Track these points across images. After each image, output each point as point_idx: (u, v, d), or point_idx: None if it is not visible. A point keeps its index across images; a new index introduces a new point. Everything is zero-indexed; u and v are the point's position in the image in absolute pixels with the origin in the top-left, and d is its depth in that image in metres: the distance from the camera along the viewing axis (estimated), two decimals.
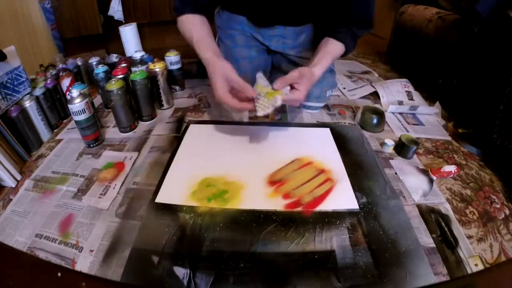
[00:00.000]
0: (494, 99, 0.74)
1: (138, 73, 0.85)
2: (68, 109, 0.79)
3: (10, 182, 0.68)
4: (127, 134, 0.85)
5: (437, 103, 0.99)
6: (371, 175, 0.69)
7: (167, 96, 0.96)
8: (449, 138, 0.86)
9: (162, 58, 1.00)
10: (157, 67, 0.91)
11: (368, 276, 0.49)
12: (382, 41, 1.70)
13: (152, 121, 0.91)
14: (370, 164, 0.73)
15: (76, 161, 0.75)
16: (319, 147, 0.78)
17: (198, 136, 0.83)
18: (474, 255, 0.53)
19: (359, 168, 0.71)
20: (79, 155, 0.77)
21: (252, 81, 0.73)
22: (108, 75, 0.91)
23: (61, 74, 0.92)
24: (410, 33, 1.24)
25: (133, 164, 0.73)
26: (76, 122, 0.75)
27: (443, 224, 0.58)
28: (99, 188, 0.66)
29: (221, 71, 0.65)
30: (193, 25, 0.75)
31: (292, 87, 0.67)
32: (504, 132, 0.73)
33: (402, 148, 0.76)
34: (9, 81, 0.79)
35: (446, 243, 0.55)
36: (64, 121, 0.94)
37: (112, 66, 0.96)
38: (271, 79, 0.80)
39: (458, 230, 0.57)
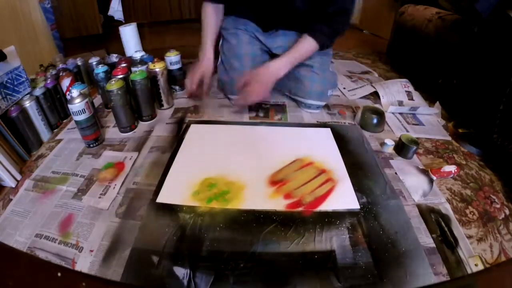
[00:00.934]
0: (494, 99, 0.74)
1: (138, 73, 0.85)
2: (68, 109, 0.79)
3: (10, 182, 0.68)
4: (127, 134, 0.85)
5: (437, 103, 0.99)
6: (371, 175, 0.69)
7: (167, 96, 0.96)
8: (449, 138, 0.86)
9: (162, 58, 1.00)
10: (157, 67, 0.91)
11: (368, 276, 0.49)
12: (382, 41, 1.70)
13: (152, 121, 0.91)
14: (370, 164, 0.73)
15: (76, 161, 0.75)
16: (319, 147, 0.78)
17: (198, 136, 0.83)
18: (474, 255, 0.53)
19: (359, 168, 0.71)
20: (79, 155, 0.77)
21: None
22: (108, 75, 0.91)
23: (61, 74, 0.92)
24: (410, 33, 1.24)
25: (133, 164, 0.73)
26: (76, 122, 0.75)
27: (443, 224, 0.58)
28: (99, 188, 0.66)
29: (209, 68, 0.90)
30: (208, 18, 0.92)
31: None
32: (504, 132, 0.73)
33: (402, 148, 0.76)
34: (9, 81, 0.79)
35: (446, 243, 0.55)
36: (64, 121, 0.94)
37: (112, 66, 0.96)
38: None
39: (458, 230, 0.57)
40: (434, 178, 0.67)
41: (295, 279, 0.48)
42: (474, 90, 0.86)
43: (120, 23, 1.71)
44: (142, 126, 0.89)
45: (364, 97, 1.08)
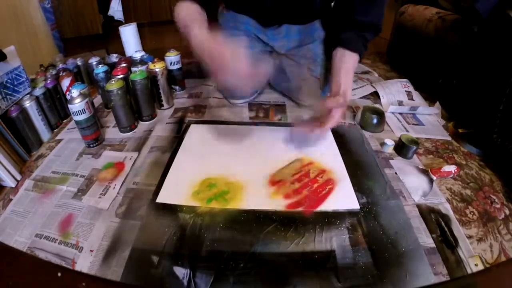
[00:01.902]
0: (494, 99, 0.74)
1: (138, 73, 0.85)
2: (68, 109, 0.79)
3: (10, 182, 0.68)
4: (127, 134, 0.85)
5: (437, 103, 0.99)
6: (371, 175, 0.69)
7: (167, 96, 0.96)
8: (449, 138, 0.86)
9: (162, 58, 1.00)
10: (157, 67, 0.91)
11: (368, 276, 0.49)
12: (382, 41, 1.70)
13: (152, 121, 0.91)
14: (370, 164, 0.73)
15: (76, 161, 0.75)
16: (319, 147, 0.78)
17: (198, 136, 0.83)
18: (474, 255, 0.53)
19: (359, 168, 0.71)
20: (79, 155, 0.77)
21: None
22: (108, 75, 0.91)
23: (61, 74, 0.92)
24: (410, 33, 1.24)
25: (133, 164, 0.73)
26: (76, 122, 0.75)
27: (443, 224, 0.58)
28: (99, 188, 0.66)
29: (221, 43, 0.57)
30: (188, 9, 0.66)
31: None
32: (504, 132, 0.73)
33: (402, 148, 0.76)
34: (9, 81, 0.79)
35: (446, 243, 0.55)
36: (64, 121, 0.94)
37: (112, 66, 0.96)
38: (273, 81, 0.82)
39: (458, 230, 0.57)
40: (434, 178, 0.67)
41: (295, 279, 0.48)
42: (474, 90, 0.86)
43: (120, 23, 1.71)
44: (142, 126, 0.89)
45: (364, 97, 1.07)
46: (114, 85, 0.78)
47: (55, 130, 0.90)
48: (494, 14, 0.79)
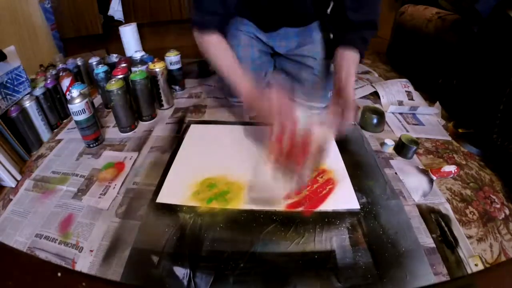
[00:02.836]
0: (494, 99, 0.74)
1: (138, 73, 0.85)
2: (68, 109, 0.79)
3: (10, 182, 0.68)
4: (127, 134, 0.85)
5: (437, 103, 0.99)
6: (371, 175, 0.69)
7: (167, 96, 0.96)
8: (449, 138, 0.86)
9: (162, 58, 1.00)
10: (157, 67, 0.91)
11: (368, 276, 0.49)
12: (382, 41, 1.70)
13: (152, 121, 0.91)
14: (370, 164, 0.73)
15: (76, 161, 0.75)
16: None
17: (198, 136, 0.83)
18: (474, 255, 0.53)
19: (359, 168, 0.71)
20: (79, 155, 0.77)
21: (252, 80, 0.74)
22: (108, 75, 0.91)
23: (61, 74, 0.92)
24: (410, 33, 1.24)
25: (133, 164, 0.73)
26: (76, 122, 0.75)
27: (443, 224, 0.58)
28: (99, 188, 0.66)
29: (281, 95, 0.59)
30: (224, 53, 0.74)
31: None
32: (504, 132, 0.73)
33: (402, 148, 0.76)
34: (9, 81, 0.79)
35: (446, 243, 0.55)
36: (64, 121, 0.94)
37: (112, 66, 0.96)
38: (273, 82, 0.81)
39: (458, 230, 0.57)
40: (434, 178, 0.67)
41: (295, 279, 0.48)
42: (474, 90, 0.86)
43: (120, 23, 1.71)
44: (142, 126, 0.89)
45: (364, 97, 1.07)
46: (114, 85, 0.78)
47: (55, 130, 0.90)
48: (494, 14, 0.79)
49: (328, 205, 0.61)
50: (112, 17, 1.80)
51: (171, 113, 0.95)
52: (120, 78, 0.82)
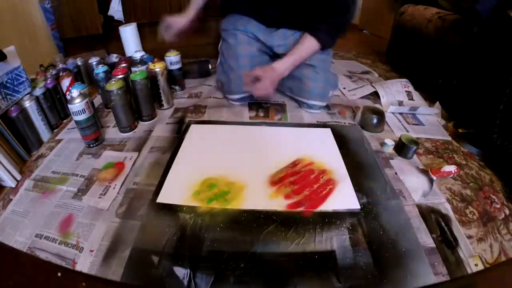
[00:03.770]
0: (494, 99, 0.74)
1: (138, 73, 0.85)
2: (68, 109, 0.79)
3: (10, 182, 0.68)
4: (127, 134, 0.85)
5: (437, 103, 0.99)
6: (371, 175, 0.69)
7: (167, 96, 0.96)
8: (449, 138, 0.86)
9: (162, 58, 1.00)
10: (157, 67, 0.91)
11: (368, 276, 0.49)
12: (382, 41, 1.70)
13: (152, 121, 0.91)
14: (370, 164, 0.73)
15: (76, 161, 0.75)
16: (320, 147, 0.78)
17: (198, 136, 0.83)
18: (474, 255, 0.53)
19: (359, 168, 0.71)
20: (79, 155, 0.77)
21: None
22: (108, 75, 0.91)
23: (61, 74, 0.92)
24: (410, 33, 1.24)
25: (133, 164, 0.73)
26: (76, 122, 0.75)
27: (443, 224, 0.58)
28: (99, 188, 0.66)
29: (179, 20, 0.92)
30: None
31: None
32: (504, 132, 0.73)
33: (402, 148, 0.76)
34: (9, 81, 0.79)
35: (446, 243, 0.55)
36: (64, 121, 0.94)
37: (112, 66, 0.96)
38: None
39: (458, 230, 0.57)
40: (434, 178, 0.67)
41: (295, 279, 0.48)
42: (474, 90, 0.86)
43: (120, 23, 1.71)
44: (142, 126, 0.89)
45: (364, 97, 1.07)
46: (114, 85, 0.77)
47: (55, 130, 0.90)
48: (494, 14, 0.79)
49: (328, 205, 0.61)
50: (112, 17, 1.80)
51: (171, 113, 0.95)
52: (120, 78, 0.82)
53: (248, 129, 0.86)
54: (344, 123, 0.90)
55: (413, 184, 0.67)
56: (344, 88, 1.12)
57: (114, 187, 0.66)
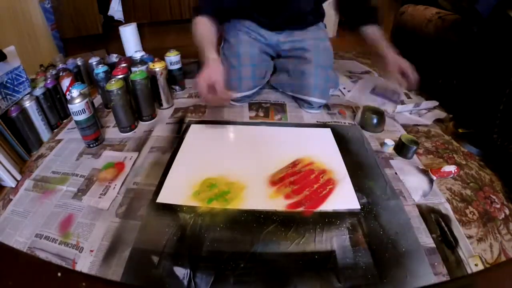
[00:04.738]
0: (494, 99, 0.74)
1: (138, 73, 0.85)
2: (68, 109, 0.79)
3: (10, 182, 0.68)
4: (127, 134, 0.85)
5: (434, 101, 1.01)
6: (371, 175, 0.69)
7: (167, 96, 0.96)
8: (449, 138, 0.86)
9: (162, 58, 1.00)
10: (157, 67, 0.91)
11: (368, 276, 0.49)
12: None
13: (152, 121, 0.91)
14: (370, 164, 0.73)
15: (76, 161, 0.75)
16: (320, 148, 0.78)
17: (198, 136, 0.83)
18: (474, 255, 0.53)
19: (359, 168, 0.71)
20: (79, 155, 0.77)
21: (250, 75, 0.85)
22: (108, 75, 0.91)
23: (61, 74, 0.92)
24: (410, 33, 1.24)
25: (133, 164, 0.73)
26: (76, 122, 0.75)
27: (443, 224, 0.58)
28: (99, 188, 0.66)
29: (218, 71, 0.76)
30: (205, 26, 0.84)
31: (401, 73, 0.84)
32: (504, 132, 0.73)
33: (402, 148, 0.76)
34: (9, 81, 0.79)
35: (446, 243, 0.55)
36: (64, 121, 0.94)
37: (112, 66, 0.96)
38: (275, 82, 0.84)
39: (458, 230, 0.57)
40: (434, 178, 0.67)
41: (295, 279, 0.48)
42: (474, 90, 0.86)
43: (120, 23, 1.71)
44: (142, 126, 0.89)
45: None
46: (114, 85, 0.77)
47: (55, 130, 0.90)
48: (494, 14, 0.79)
49: (328, 205, 0.61)
50: (112, 17, 1.80)
51: (171, 113, 0.95)
52: (120, 78, 0.82)
53: (248, 129, 0.86)
54: (344, 123, 0.90)
55: (413, 184, 0.67)
56: (344, 88, 1.12)
57: (114, 187, 0.66)
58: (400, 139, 0.77)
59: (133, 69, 0.92)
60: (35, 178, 0.70)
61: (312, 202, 0.61)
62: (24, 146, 0.77)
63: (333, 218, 0.58)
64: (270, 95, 1.03)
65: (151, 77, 0.90)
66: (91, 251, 0.53)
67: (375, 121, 0.86)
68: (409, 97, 1.04)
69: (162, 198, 0.62)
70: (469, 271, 0.51)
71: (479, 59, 0.85)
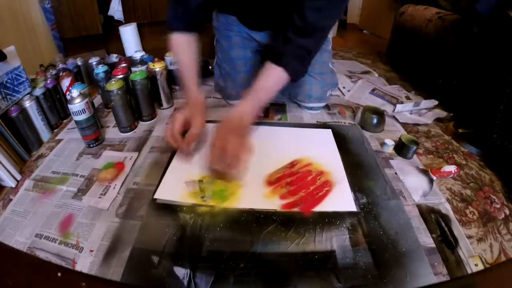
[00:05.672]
0: (494, 99, 0.74)
1: (138, 73, 0.85)
2: (68, 109, 0.79)
3: (10, 182, 0.68)
4: (127, 134, 0.85)
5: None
6: (371, 175, 0.69)
7: (167, 96, 0.96)
8: (449, 138, 0.86)
9: (162, 58, 1.00)
10: (157, 67, 0.91)
11: (368, 276, 0.49)
12: (382, 41, 1.70)
13: (152, 121, 0.91)
14: (370, 164, 0.73)
15: (76, 161, 0.75)
16: (319, 148, 0.78)
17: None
18: (474, 255, 0.53)
19: (359, 168, 0.71)
20: (79, 155, 0.77)
21: (247, 81, 0.76)
22: (108, 75, 0.91)
23: (61, 74, 0.92)
24: (410, 33, 1.24)
25: (133, 164, 0.73)
26: (76, 122, 0.75)
27: (443, 224, 0.58)
28: (99, 188, 0.66)
29: (199, 109, 0.72)
30: (182, 49, 0.76)
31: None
32: (504, 132, 0.73)
33: (402, 148, 0.76)
34: (9, 81, 0.79)
35: (446, 243, 0.55)
36: (64, 121, 0.94)
37: (112, 66, 0.96)
38: None
39: (458, 230, 0.57)
40: (434, 178, 0.67)
41: (295, 279, 0.48)
42: (474, 90, 0.86)
43: (120, 23, 1.71)
44: (142, 126, 0.89)
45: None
46: (114, 85, 0.78)
47: (55, 130, 0.90)
48: (494, 14, 0.79)
49: (324, 207, 0.60)
50: (112, 17, 1.80)
51: (171, 113, 0.95)
52: (120, 78, 0.82)
53: None
54: (344, 123, 0.90)
55: (413, 184, 0.67)
56: (344, 88, 1.12)
57: (114, 187, 0.66)
58: (400, 139, 0.77)
59: (133, 69, 0.92)
60: (35, 178, 0.70)
61: (307, 203, 0.61)
62: (24, 146, 0.77)
63: (333, 218, 0.58)
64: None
65: (151, 77, 0.90)
66: (91, 251, 0.53)
67: (375, 121, 0.86)
68: (408, 98, 1.04)
69: (159, 194, 0.62)
70: (469, 271, 0.51)
71: (479, 59, 0.85)
